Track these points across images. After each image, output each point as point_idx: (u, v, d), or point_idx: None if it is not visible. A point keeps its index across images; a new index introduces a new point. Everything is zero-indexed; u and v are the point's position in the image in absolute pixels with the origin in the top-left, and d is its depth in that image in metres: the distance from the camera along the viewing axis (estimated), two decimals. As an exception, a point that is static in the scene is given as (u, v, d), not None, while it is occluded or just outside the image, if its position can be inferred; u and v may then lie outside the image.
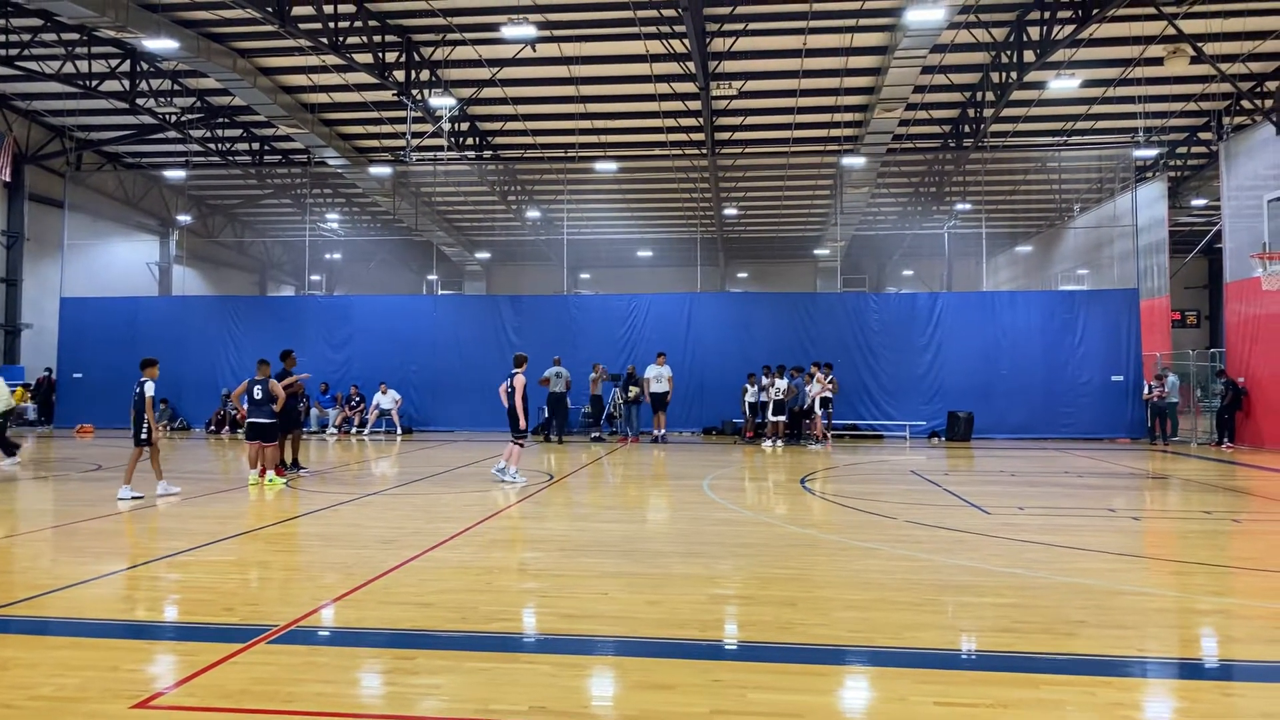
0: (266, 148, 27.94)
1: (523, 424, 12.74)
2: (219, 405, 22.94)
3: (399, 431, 22.36)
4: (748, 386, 20.62)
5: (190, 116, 24.73)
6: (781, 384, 19.59)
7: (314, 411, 22.30)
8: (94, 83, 21.50)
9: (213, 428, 22.93)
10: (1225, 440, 19.43)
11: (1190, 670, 4.93)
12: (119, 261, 30.51)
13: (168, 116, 24.12)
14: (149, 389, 11.15)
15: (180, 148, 27.58)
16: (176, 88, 23.30)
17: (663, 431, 20.69)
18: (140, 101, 22.80)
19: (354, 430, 22.66)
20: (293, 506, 10.49)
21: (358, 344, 23.84)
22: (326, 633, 5.49)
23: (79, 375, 24.34)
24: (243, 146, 27.49)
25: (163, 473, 11.42)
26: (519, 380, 12.64)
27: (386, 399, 22.49)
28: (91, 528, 8.84)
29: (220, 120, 25.64)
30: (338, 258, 39.84)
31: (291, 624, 5.42)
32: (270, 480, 12.11)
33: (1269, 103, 19.26)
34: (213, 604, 5.99)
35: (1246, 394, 19.42)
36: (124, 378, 23.49)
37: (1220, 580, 6.91)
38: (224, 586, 6.49)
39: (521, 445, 12.88)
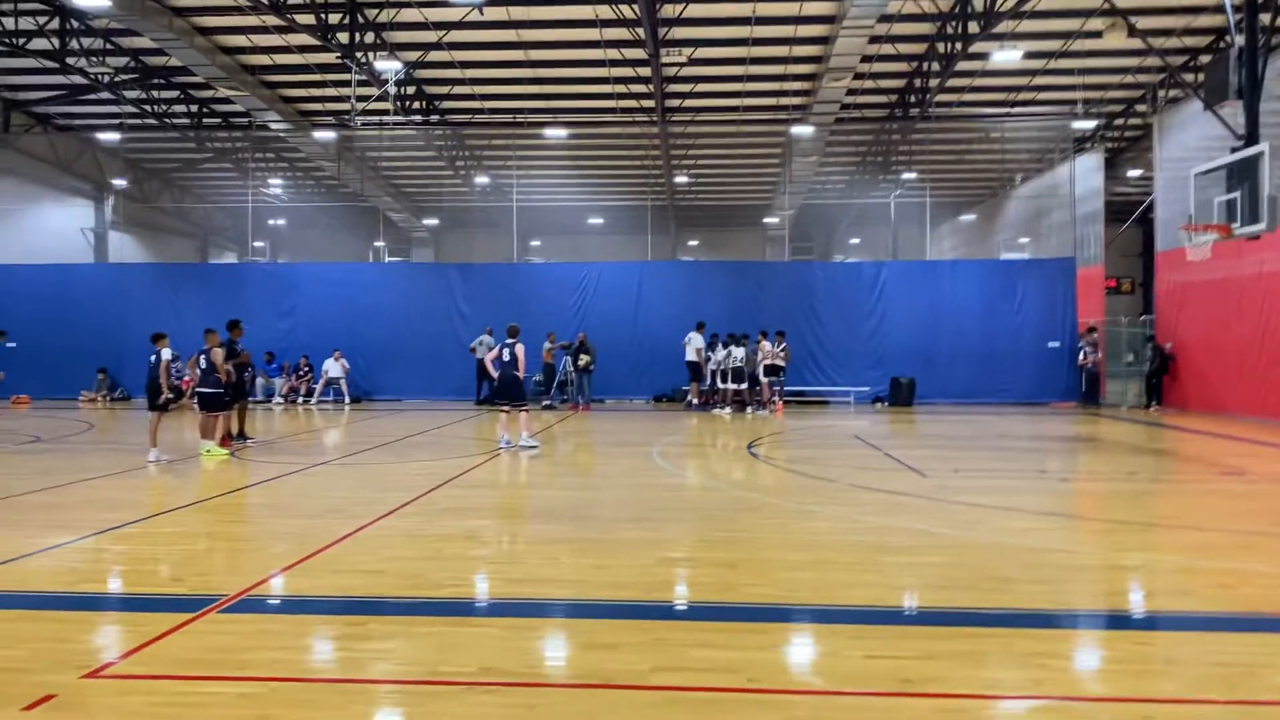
0: (205, 110, 27.13)
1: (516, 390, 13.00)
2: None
3: (347, 400, 22.18)
4: (697, 344, 20.63)
5: (124, 77, 23.86)
6: (739, 352, 19.82)
7: (259, 381, 21.99)
8: (21, 41, 20.65)
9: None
10: (1153, 404, 20.20)
11: (1105, 621, 5.25)
12: (51, 227, 29.52)
13: (100, 77, 23.26)
14: (165, 354, 11.85)
15: (115, 109, 26.61)
16: (109, 47, 22.46)
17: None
18: (71, 61, 21.94)
19: (301, 400, 22.40)
20: (241, 477, 10.44)
21: (303, 312, 23.50)
22: (278, 601, 5.56)
23: (13, 345, 23.64)
24: (180, 109, 26.62)
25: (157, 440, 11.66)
26: (519, 349, 12.80)
27: (337, 367, 22.27)
28: (34, 501, 8.72)
29: (156, 81, 24.80)
30: (282, 224, 38.99)
31: (242, 593, 5.47)
32: (209, 450, 11.99)
33: (1199, 78, 19.83)
34: (161, 575, 6.02)
35: (1174, 359, 20.20)
36: (60, 347, 23.04)
37: (1140, 537, 7.29)
38: (172, 558, 6.50)
39: (527, 410, 13.15)
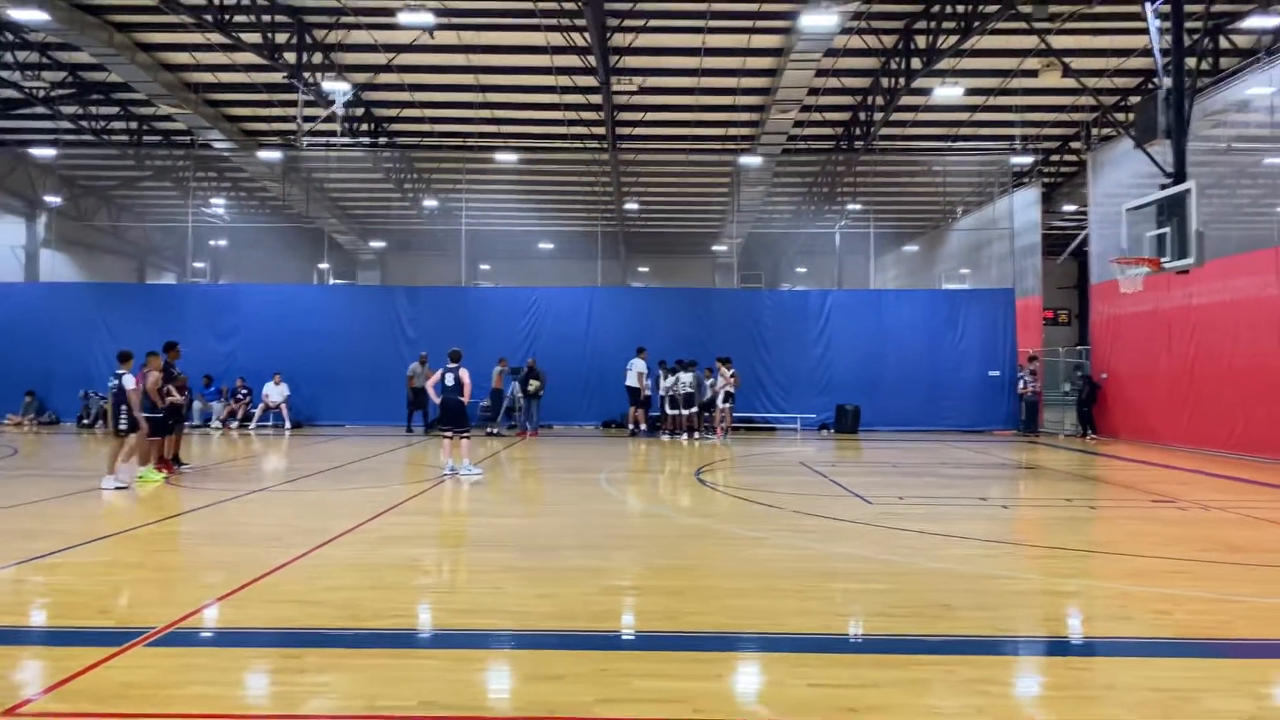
0: (146, 127, 26.54)
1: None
2: (84, 403, 21.86)
3: (288, 425, 21.68)
4: (642, 371, 20.69)
5: (61, 92, 23.26)
6: (687, 378, 19.92)
7: (196, 405, 21.41)
8: (-49, 52, 20.07)
9: (85, 421, 21.76)
10: (1089, 432, 20.73)
11: (1045, 647, 5.32)
12: (-21, 244, 28.56)
13: (35, 91, 22.64)
14: (128, 381, 11.39)
15: (50, 125, 25.91)
16: (45, 61, 21.88)
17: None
18: (4, 75, 21.34)
19: (238, 424, 21.84)
20: (173, 504, 10.10)
21: (244, 334, 22.99)
22: (209, 633, 5.36)
23: None
24: (119, 125, 26.00)
25: (116, 468, 11.23)
26: (464, 374, 12.70)
27: (278, 391, 21.78)
28: (-51, 529, 8.31)
29: (94, 97, 24.22)
30: (224, 245, 38.18)
31: (171, 625, 5.26)
32: (142, 476, 11.60)
33: (1130, 117, 20.60)
34: (85, 606, 5.76)
35: (1100, 388, 20.84)
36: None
37: (1077, 563, 7.43)
38: (97, 589, 6.24)
39: (469, 437, 13.01)
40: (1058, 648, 5.34)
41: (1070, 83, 20.12)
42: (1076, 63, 19.30)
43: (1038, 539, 8.93)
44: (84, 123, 25.10)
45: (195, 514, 9.47)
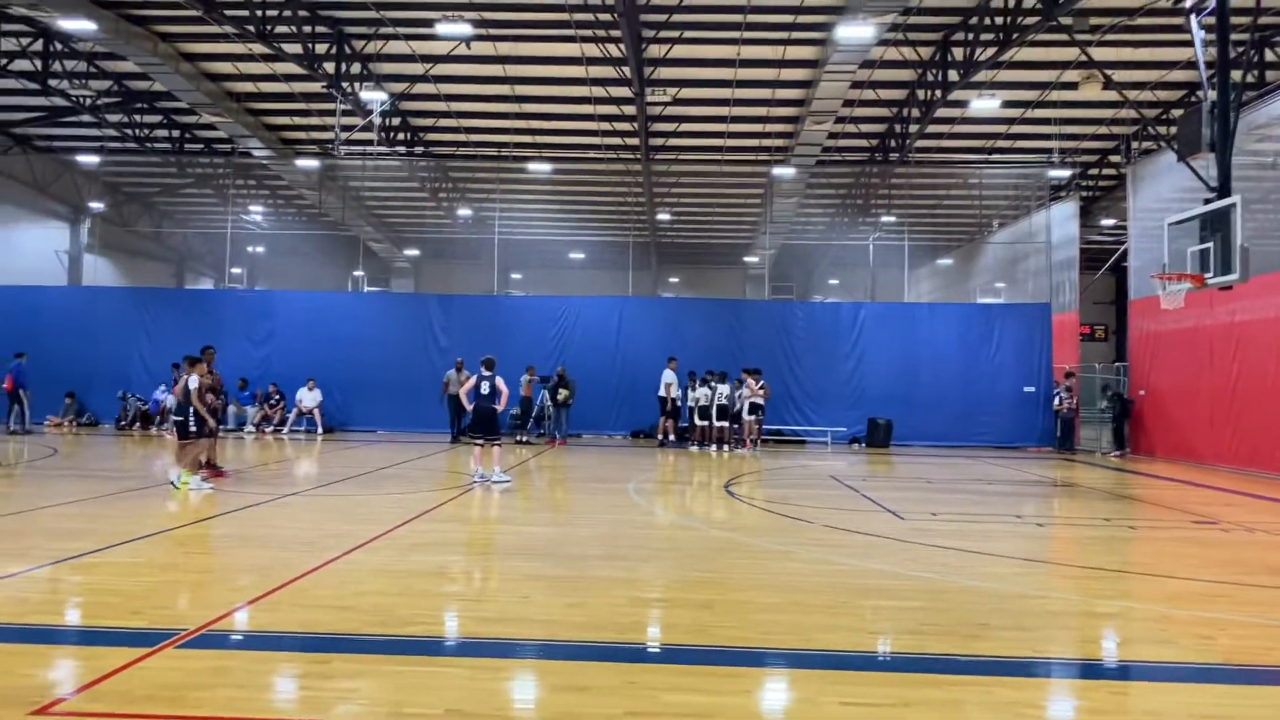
0: (188, 135, 27.05)
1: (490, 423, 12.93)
2: (123, 404, 22.22)
3: (320, 431, 21.88)
4: (671, 382, 20.60)
5: (107, 100, 23.78)
6: (724, 389, 19.85)
7: (231, 409, 21.68)
8: (4, 62, 20.55)
9: (123, 423, 22.12)
10: (1123, 450, 20.36)
11: (1084, 670, 5.19)
12: (25, 249, 29.14)
13: (82, 100, 23.16)
14: (192, 382, 11.64)
15: (95, 132, 26.50)
16: (92, 70, 22.39)
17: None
18: (53, 83, 21.85)
19: (272, 429, 22.08)
20: (208, 507, 10.21)
21: (279, 340, 23.26)
22: (239, 636, 5.39)
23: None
24: (162, 133, 26.53)
25: (198, 466, 11.58)
26: (499, 381, 12.72)
27: (311, 397, 22.00)
28: (-11, 527, 8.46)
29: (139, 106, 24.74)
30: (261, 251, 38.75)
31: (203, 627, 5.30)
32: (181, 480, 11.72)
33: (1172, 130, 20.27)
34: (119, 607, 5.82)
35: (1133, 404, 20.48)
36: (30, 371, 22.56)
37: (1116, 584, 7.25)
38: (131, 589, 6.30)
39: (500, 445, 13.02)
40: (1097, 671, 5.21)
41: (1111, 95, 19.86)
42: (1118, 75, 19.04)
43: (1075, 558, 8.75)
44: (128, 130, 25.64)
45: (228, 517, 9.56)
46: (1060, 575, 7.81)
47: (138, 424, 21.94)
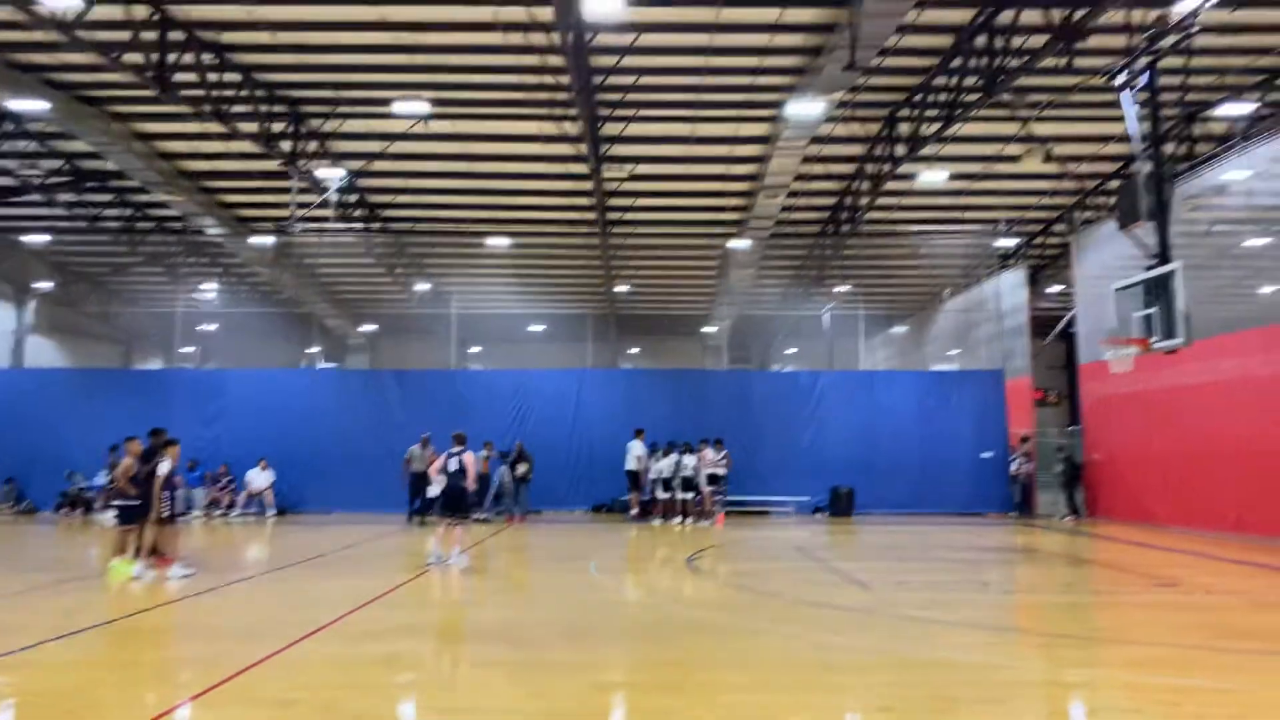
0: (139, 214, 26.76)
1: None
2: (68, 485, 21.43)
3: (273, 513, 21.22)
4: (641, 454, 20.41)
5: (56, 180, 23.51)
6: (689, 460, 19.71)
7: (179, 492, 20.93)
8: (-52, 142, 20.30)
9: (65, 509, 21.29)
10: (1071, 514, 20.52)
11: (1057, 745, 5.07)
12: (-33, 330, 28.46)
13: (31, 179, 22.87)
14: (163, 468, 11.19)
15: (44, 211, 26.12)
16: (42, 149, 22.18)
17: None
18: (1, 163, 21.58)
19: (221, 512, 21.33)
20: (148, 597, 9.76)
21: (229, 419, 22.70)
22: (176, 738, 5.07)
23: None
24: (113, 212, 26.21)
25: (168, 556, 11.13)
26: (468, 457, 12.39)
27: (263, 477, 21.38)
28: (-88, 625, 7.97)
29: (89, 184, 24.47)
30: (213, 330, 38.19)
31: (137, 730, 4.98)
32: (114, 567, 11.14)
33: (1112, 200, 21.04)
34: (52, 708, 5.46)
35: (1083, 468, 20.77)
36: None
37: (1083, 652, 7.18)
38: (63, 689, 5.93)
39: (464, 525, 12.66)
40: (1071, 745, 5.10)
41: (1052, 167, 20.58)
42: (1058, 148, 19.78)
43: (1041, 626, 8.68)
44: (78, 209, 25.31)
45: (171, 607, 9.14)
46: (1028, 644, 7.73)
47: (79, 509, 21.12)
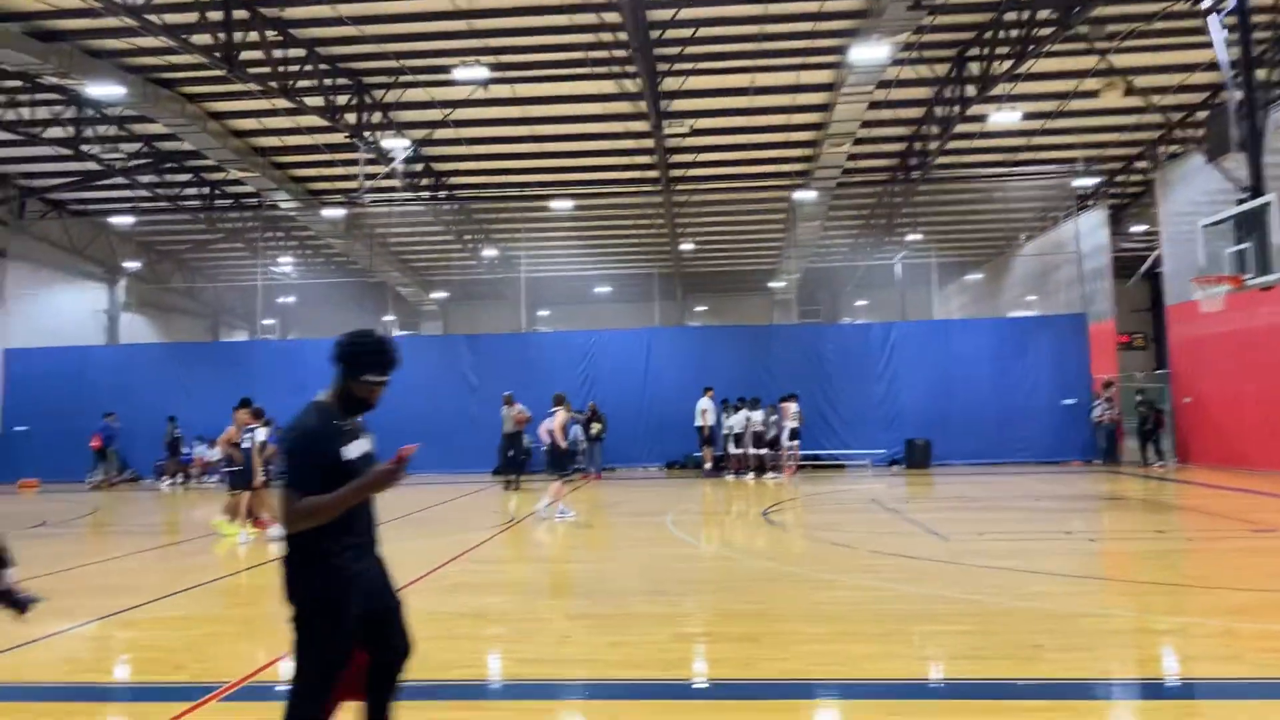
0: (217, 192, 27.61)
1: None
2: (169, 453, 22.44)
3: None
4: (707, 409, 20.43)
5: (138, 162, 24.37)
6: (758, 415, 19.69)
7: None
8: (37, 130, 21.15)
9: (165, 478, 22.36)
10: (1157, 460, 19.83)
11: (1150, 690, 4.99)
12: (65, 311, 29.79)
13: (114, 163, 23.76)
14: (259, 435, 11.68)
15: (128, 193, 27.13)
16: (123, 133, 22.99)
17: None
18: (85, 148, 22.45)
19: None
20: (248, 557, 10.24)
21: (313, 388, 23.07)
22: (284, 687, 5.34)
23: (24, 428, 23.68)
24: (192, 191, 27.11)
25: (265, 519, 11.58)
26: (559, 418, 12.99)
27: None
28: (36, 586, 8.51)
29: (168, 165, 25.32)
30: (291, 301, 39.35)
31: (244, 680, 5.27)
32: (227, 529, 11.77)
33: (1199, 133, 20.01)
34: (163, 662, 5.81)
35: (1163, 412, 20.06)
36: (68, 430, 22.99)
37: (1174, 599, 7.02)
38: (174, 643, 6.30)
39: (567, 481, 13.37)
40: (1164, 690, 5.01)
41: (1133, 101, 19.65)
42: (1139, 80, 18.85)
43: (1130, 574, 8.49)
44: (159, 190, 26.23)
45: (270, 566, 9.57)
46: (1115, 591, 7.58)
47: (178, 476, 22.17)
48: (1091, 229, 23.53)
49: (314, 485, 3.22)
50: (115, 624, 6.89)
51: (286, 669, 5.56)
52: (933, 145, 22.45)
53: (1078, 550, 9.67)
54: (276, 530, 11.38)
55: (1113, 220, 24.24)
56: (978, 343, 22.69)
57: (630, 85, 19.49)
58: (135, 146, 23.81)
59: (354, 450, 3.40)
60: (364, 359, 3.50)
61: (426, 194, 26.04)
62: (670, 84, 19.59)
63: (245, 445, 11.69)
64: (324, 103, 19.39)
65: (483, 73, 18.46)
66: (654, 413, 22.73)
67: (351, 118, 20.46)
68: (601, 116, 21.66)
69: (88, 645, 6.37)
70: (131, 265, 31.95)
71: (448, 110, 21.12)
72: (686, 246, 32.24)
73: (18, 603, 3.21)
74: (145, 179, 25.60)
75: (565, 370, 22.97)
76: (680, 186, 25.87)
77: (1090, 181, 24.69)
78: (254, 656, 5.88)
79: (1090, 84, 19.68)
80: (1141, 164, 25.34)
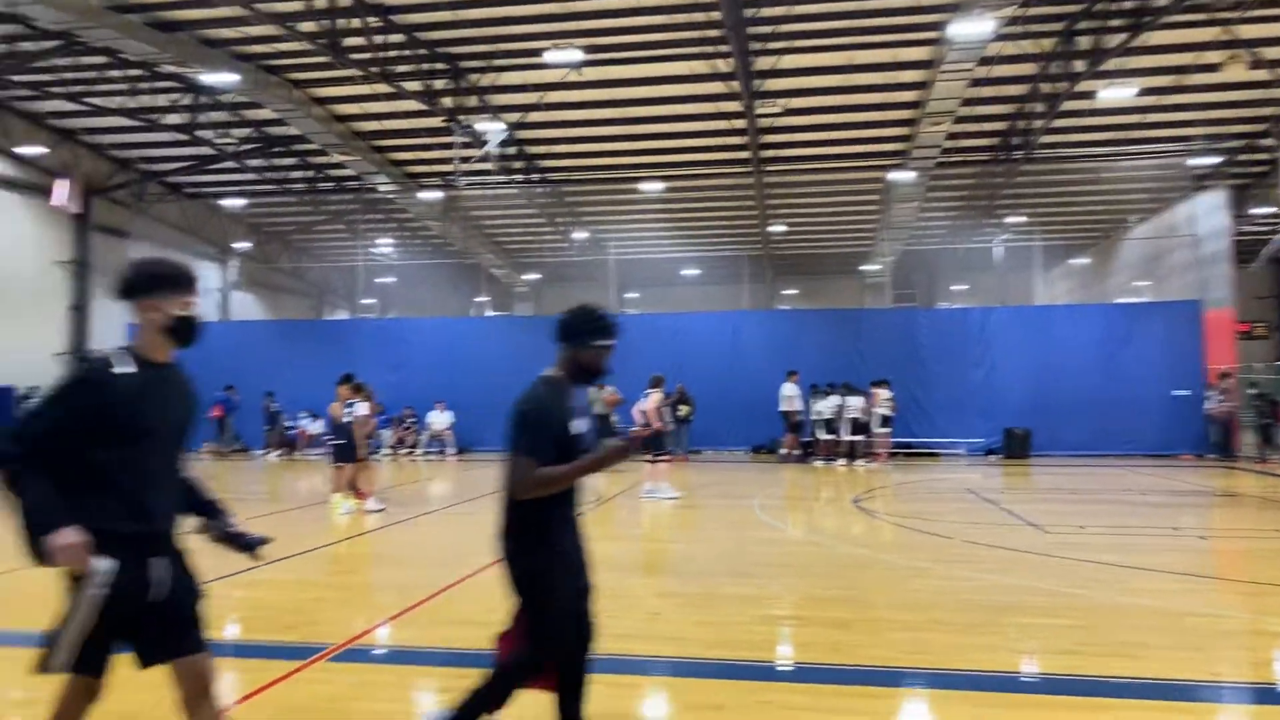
0: (320, 175, 28.64)
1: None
2: (269, 425, 23.51)
3: (453, 451, 22.60)
4: (792, 395, 20.19)
5: (248, 146, 25.48)
6: (854, 401, 19.28)
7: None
8: (156, 116, 22.29)
9: (273, 449, 23.42)
10: (1276, 455, 18.76)
11: (1263, 695, 4.77)
12: (181, 288, 31.44)
13: (226, 147, 24.89)
14: (360, 410, 12.00)
15: (238, 177, 28.39)
16: (234, 119, 24.05)
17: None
18: (200, 133, 23.56)
19: (406, 450, 22.94)
20: (350, 526, 10.67)
21: (412, 365, 24.17)
22: (382, 651, 5.59)
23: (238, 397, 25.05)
24: (298, 174, 28.21)
25: (364, 491, 11.90)
26: (653, 399, 13.27)
27: (441, 418, 22.78)
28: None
29: (276, 150, 26.38)
30: (390, 281, 40.60)
31: (348, 643, 5.52)
32: (335, 502, 12.19)
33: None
34: (275, 622, 6.14)
35: (1278, 405, 18.90)
36: (233, 400, 24.27)
37: (1292, 601, 6.67)
38: (285, 604, 6.64)
39: (665, 461, 13.58)
40: (1275, 696, 4.78)
41: (1257, 75, 18.49)
42: (1265, 52, 17.72)
43: (1244, 573, 8.09)
44: (267, 174, 27.37)
45: (368, 536, 9.97)
46: (1228, 591, 7.24)
47: (285, 449, 23.20)
48: (1209, 211, 22.28)
49: (549, 455, 3.41)
50: (237, 584, 7.29)
51: (384, 634, 5.80)
52: (1037, 124, 21.60)
53: (1187, 547, 9.27)
54: (375, 503, 11.81)
55: (1233, 202, 22.92)
56: (1083, 329, 21.77)
57: (722, 65, 19.33)
58: (245, 132, 24.88)
59: (580, 425, 3.57)
60: (591, 327, 3.72)
61: (519, 176, 26.43)
62: (763, 63, 19.35)
63: (347, 419, 12.07)
64: (422, 87, 19.86)
65: (576, 55, 18.58)
66: (741, 396, 22.59)
67: (448, 101, 20.90)
68: (693, 97, 21.56)
69: (210, 603, 6.74)
70: (242, 245, 33.47)
71: (540, 93, 21.34)
72: (777, 228, 31.88)
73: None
74: (254, 163, 26.74)
75: (654, 352, 23.02)
76: (771, 168, 25.56)
77: (1209, 161, 23.36)
78: (356, 621, 6.15)
79: (1211, 57, 18.55)
80: (1266, 141, 23.80)
